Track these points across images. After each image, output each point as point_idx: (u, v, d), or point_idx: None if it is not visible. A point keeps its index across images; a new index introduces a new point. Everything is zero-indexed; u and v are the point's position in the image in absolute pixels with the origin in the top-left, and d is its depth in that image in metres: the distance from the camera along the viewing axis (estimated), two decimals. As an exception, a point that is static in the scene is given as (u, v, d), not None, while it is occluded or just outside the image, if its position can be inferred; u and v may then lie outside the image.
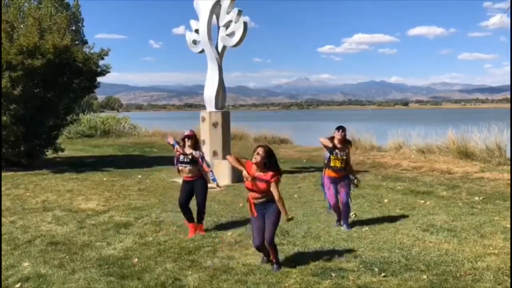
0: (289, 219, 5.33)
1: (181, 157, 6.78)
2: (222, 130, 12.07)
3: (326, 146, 6.99)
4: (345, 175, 7.05)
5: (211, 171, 6.86)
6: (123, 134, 28.67)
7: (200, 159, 6.77)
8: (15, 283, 5.07)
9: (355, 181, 7.16)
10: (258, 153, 5.19)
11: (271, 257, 5.38)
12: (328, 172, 7.05)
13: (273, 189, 5.18)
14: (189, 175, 6.82)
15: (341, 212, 7.06)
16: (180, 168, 6.83)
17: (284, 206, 5.25)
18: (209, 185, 6.98)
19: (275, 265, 5.33)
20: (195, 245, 6.26)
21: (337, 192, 7.05)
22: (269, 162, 5.22)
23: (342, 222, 7.09)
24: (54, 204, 9.14)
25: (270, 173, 5.18)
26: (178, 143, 6.84)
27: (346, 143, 7.03)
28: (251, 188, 5.26)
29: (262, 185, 5.19)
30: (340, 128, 7.02)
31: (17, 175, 12.66)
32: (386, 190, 10.13)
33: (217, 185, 6.93)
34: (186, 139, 6.79)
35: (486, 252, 5.80)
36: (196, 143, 6.88)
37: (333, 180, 7.04)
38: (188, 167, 6.76)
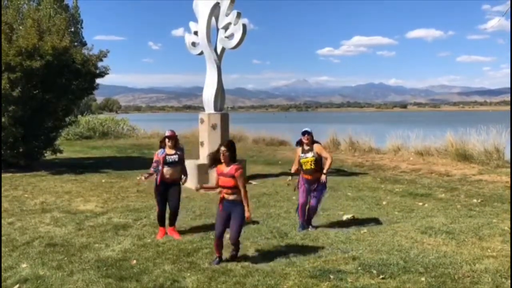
0: (247, 218, 5.49)
1: (168, 158, 6.70)
2: (221, 132, 12.06)
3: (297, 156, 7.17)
4: (319, 176, 7.05)
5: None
6: (121, 136, 28.63)
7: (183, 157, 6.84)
8: (14, 285, 5.07)
9: (288, 179, 7.33)
10: (222, 154, 5.46)
11: (231, 253, 5.67)
12: (303, 175, 7.15)
13: (239, 182, 5.42)
14: (169, 177, 6.72)
15: (307, 213, 7.12)
16: (165, 170, 6.68)
17: (247, 200, 5.49)
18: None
19: (216, 259, 5.60)
20: (194, 247, 6.26)
21: (308, 193, 7.10)
22: (232, 155, 5.49)
23: (301, 223, 7.12)
24: (52, 205, 9.13)
25: (234, 167, 5.44)
26: (157, 161, 6.76)
27: (312, 144, 7.07)
28: (222, 185, 5.52)
29: (229, 181, 5.42)
30: (305, 133, 7.08)
31: (16, 176, 12.64)
32: (384, 192, 10.14)
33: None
34: (167, 140, 6.78)
35: (484, 255, 5.81)
36: (176, 143, 6.87)
37: (307, 181, 7.10)
38: (173, 168, 6.72)
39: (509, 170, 12.08)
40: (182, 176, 6.91)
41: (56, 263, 5.72)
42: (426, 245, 6.26)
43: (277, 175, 12.83)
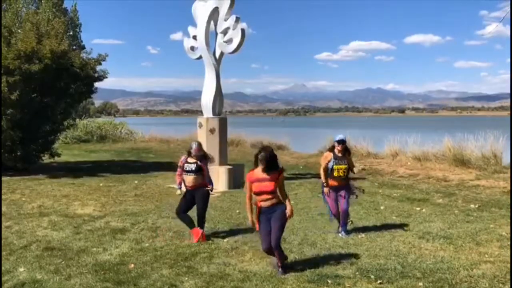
0: (289, 216, 5.45)
1: (186, 166, 6.88)
2: (219, 136, 12.08)
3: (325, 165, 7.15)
4: (346, 183, 7.15)
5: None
6: (119, 140, 28.63)
7: (204, 166, 6.92)
8: (11, 289, 5.05)
9: (355, 195, 7.32)
10: (261, 159, 5.30)
11: (278, 261, 5.45)
12: (330, 182, 7.13)
13: (280, 187, 5.35)
14: (192, 184, 6.88)
15: (340, 219, 7.12)
16: (184, 176, 6.93)
17: (290, 202, 5.46)
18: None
19: (280, 269, 5.41)
20: (192, 251, 6.26)
21: (337, 200, 7.13)
22: (272, 163, 5.34)
23: (340, 229, 7.13)
24: (50, 209, 9.11)
25: (276, 173, 5.34)
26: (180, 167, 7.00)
27: (345, 153, 7.17)
28: (259, 191, 5.35)
29: (268, 186, 5.30)
30: (340, 142, 7.13)
31: (13, 180, 12.62)
32: (382, 197, 10.15)
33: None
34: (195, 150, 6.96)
35: (482, 260, 5.81)
36: (201, 156, 6.98)
37: (334, 189, 7.12)
38: (193, 175, 6.84)
39: (506, 175, 12.10)
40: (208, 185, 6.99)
41: (53, 267, 5.70)
42: (424, 250, 6.27)
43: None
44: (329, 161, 7.09)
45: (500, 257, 5.92)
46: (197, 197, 6.92)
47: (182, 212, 6.95)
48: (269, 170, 5.31)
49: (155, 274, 5.43)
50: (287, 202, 5.42)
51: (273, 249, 5.35)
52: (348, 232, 7.09)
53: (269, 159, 5.29)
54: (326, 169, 7.12)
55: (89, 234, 7.24)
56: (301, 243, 6.61)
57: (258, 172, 5.35)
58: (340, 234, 7.05)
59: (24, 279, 5.31)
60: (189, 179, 6.88)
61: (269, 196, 5.33)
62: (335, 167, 7.04)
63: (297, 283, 5.09)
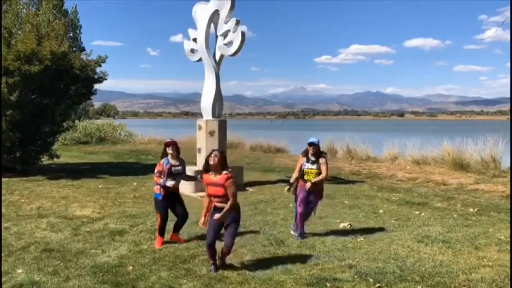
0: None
1: (173, 169, 6.63)
2: (218, 138, 12.08)
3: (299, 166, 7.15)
4: (318, 188, 7.08)
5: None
6: (118, 141, 28.62)
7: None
8: (9, 290, 5.04)
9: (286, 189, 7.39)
10: (213, 157, 5.41)
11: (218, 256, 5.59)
12: (302, 183, 7.14)
13: (229, 191, 5.37)
14: (173, 187, 6.65)
15: (302, 219, 7.11)
16: (168, 182, 6.55)
17: (230, 208, 5.40)
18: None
19: (213, 266, 5.56)
20: (190, 254, 6.25)
21: (307, 203, 7.09)
22: (223, 164, 5.44)
23: (300, 232, 7.10)
24: (49, 210, 9.10)
25: (224, 177, 5.38)
26: (160, 172, 6.63)
27: (319, 157, 7.07)
28: (213, 194, 5.49)
29: (219, 190, 5.40)
30: (312, 144, 7.06)
31: (12, 181, 12.61)
32: (381, 201, 10.15)
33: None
34: (169, 148, 6.65)
35: (481, 264, 5.81)
36: (178, 153, 6.78)
37: (306, 191, 7.08)
38: (177, 179, 6.69)
39: (505, 179, 12.12)
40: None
41: (52, 268, 5.69)
42: (423, 254, 6.26)
43: (274, 182, 12.83)
44: (302, 165, 7.10)
45: (499, 261, 5.92)
46: (178, 201, 6.80)
47: (163, 215, 6.78)
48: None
49: (153, 276, 5.42)
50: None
51: (226, 251, 5.55)
52: (303, 237, 7.02)
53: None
54: (299, 171, 7.11)
55: (87, 236, 7.23)
56: (299, 246, 6.61)
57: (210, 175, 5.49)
58: (293, 232, 7.15)
59: (22, 280, 5.29)
60: (174, 183, 6.62)
61: (221, 199, 5.45)
62: (306, 170, 7.06)
63: (295, 286, 5.09)
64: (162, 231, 6.81)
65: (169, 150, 6.66)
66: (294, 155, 20.84)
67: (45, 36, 13.67)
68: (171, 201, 6.74)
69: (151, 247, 6.60)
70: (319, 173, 7.00)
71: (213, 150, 5.60)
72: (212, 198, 5.53)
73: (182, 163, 6.81)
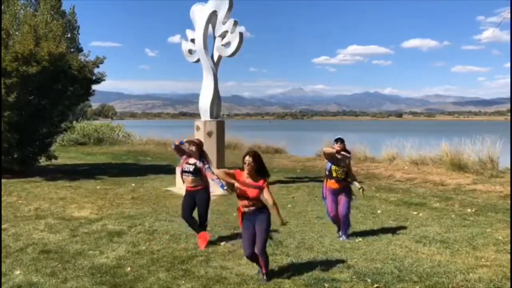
0: (283, 224, 5.38)
1: (185, 166, 6.81)
2: (216, 139, 12.08)
3: (330, 154, 6.93)
4: (346, 186, 7.05)
5: (217, 178, 6.73)
6: (116, 142, 28.57)
7: (204, 169, 6.75)
8: (7, 292, 5.03)
9: (361, 190, 7.12)
10: (247, 164, 5.26)
11: (262, 267, 5.33)
12: (329, 183, 7.06)
13: (266, 194, 5.21)
14: (192, 184, 6.83)
15: (340, 223, 7.07)
16: (183, 177, 6.86)
17: (278, 210, 5.31)
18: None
19: (264, 276, 5.27)
20: (188, 255, 6.25)
21: (337, 204, 7.04)
22: (259, 167, 5.29)
23: (340, 233, 7.10)
24: (46, 212, 9.09)
25: (262, 180, 5.25)
26: (180, 147, 6.89)
27: (345, 153, 6.99)
28: (242, 195, 5.27)
29: (253, 192, 5.22)
30: (339, 140, 7.01)
31: (10, 182, 12.58)
32: (379, 201, 10.16)
33: (227, 190, 6.64)
34: (190, 145, 6.81)
35: (478, 264, 5.83)
36: (202, 152, 6.87)
37: (333, 192, 7.04)
38: (191, 176, 6.78)
39: (503, 180, 12.14)
40: (213, 180, 6.67)
41: (49, 270, 5.69)
42: (421, 254, 6.27)
43: (272, 183, 12.82)
44: (331, 156, 6.88)
45: (497, 261, 5.93)
46: (197, 200, 6.88)
47: (189, 217, 6.86)
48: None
49: (151, 277, 5.42)
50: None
51: (259, 254, 5.23)
52: (349, 236, 7.04)
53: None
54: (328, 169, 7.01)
55: (85, 237, 7.22)
56: (298, 247, 6.61)
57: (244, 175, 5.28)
58: (340, 238, 7.02)
59: (20, 282, 5.29)
60: (187, 179, 6.83)
61: (251, 203, 5.26)
62: (333, 168, 6.94)
63: (293, 287, 5.09)
64: (196, 230, 6.88)
65: (191, 148, 6.85)
66: (293, 156, 20.86)
67: (43, 37, 13.65)
68: (192, 198, 6.96)
69: (149, 248, 6.60)
70: (345, 171, 6.94)
71: (245, 155, 5.41)
72: (240, 200, 5.32)
73: (198, 164, 6.83)
